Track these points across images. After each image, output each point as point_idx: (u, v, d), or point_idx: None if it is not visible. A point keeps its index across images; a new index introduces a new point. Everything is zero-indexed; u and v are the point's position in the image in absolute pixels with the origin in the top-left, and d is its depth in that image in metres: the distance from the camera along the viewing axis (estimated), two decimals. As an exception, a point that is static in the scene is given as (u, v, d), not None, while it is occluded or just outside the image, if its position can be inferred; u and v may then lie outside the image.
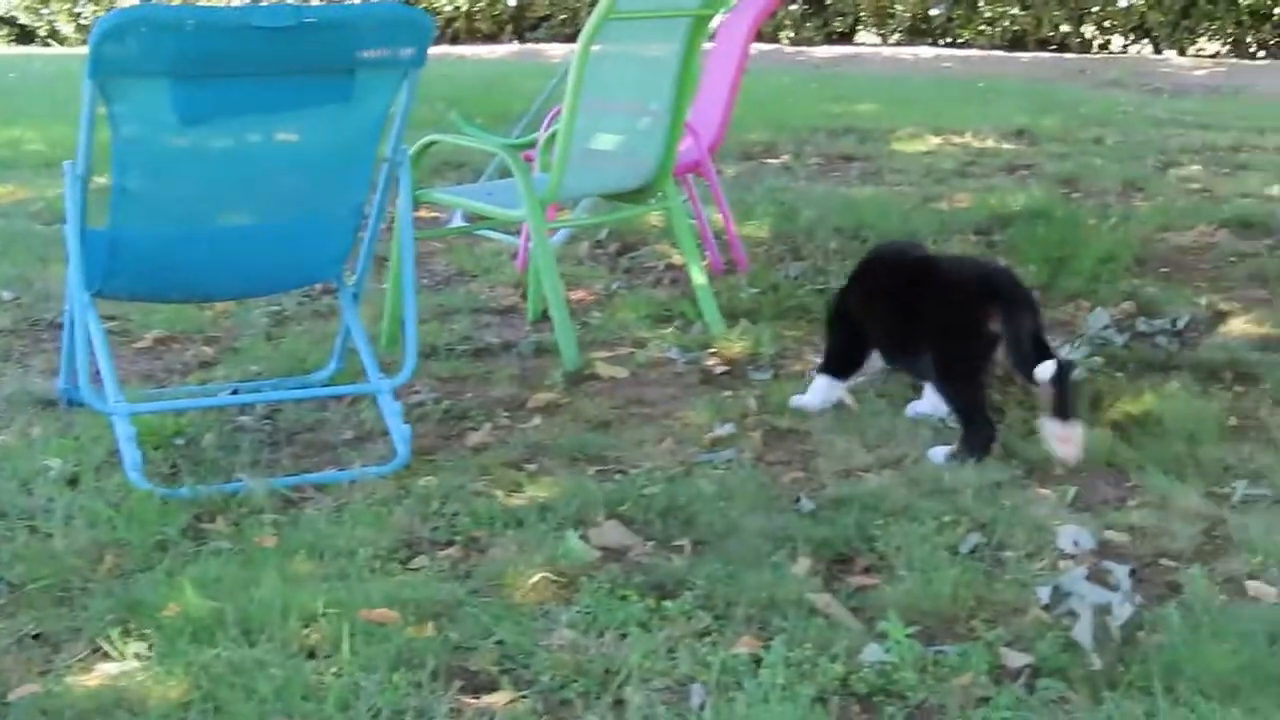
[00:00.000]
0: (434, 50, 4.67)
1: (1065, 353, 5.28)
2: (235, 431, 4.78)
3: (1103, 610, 3.49)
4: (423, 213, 7.68)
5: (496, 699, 3.15)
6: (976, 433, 4.49)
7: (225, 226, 4.63)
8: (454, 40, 20.80)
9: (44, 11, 22.94)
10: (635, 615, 3.47)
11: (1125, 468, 4.43)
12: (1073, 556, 3.82)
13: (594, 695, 3.16)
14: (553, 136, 5.61)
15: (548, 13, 20.85)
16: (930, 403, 4.78)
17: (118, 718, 3.05)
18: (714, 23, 6.48)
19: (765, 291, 6.16)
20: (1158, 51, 18.14)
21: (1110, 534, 3.98)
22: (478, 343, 5.70)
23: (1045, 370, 4.39)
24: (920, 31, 19.18)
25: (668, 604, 3.52)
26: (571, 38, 6.52)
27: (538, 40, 20.56)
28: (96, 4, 21.81)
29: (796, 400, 4.90)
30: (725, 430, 4.76)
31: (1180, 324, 5.67)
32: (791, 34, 19.52)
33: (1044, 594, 3.60)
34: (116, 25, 3.99)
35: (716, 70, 6.97)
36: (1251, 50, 17.82)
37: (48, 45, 22.67)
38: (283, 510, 4.12)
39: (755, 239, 7.08)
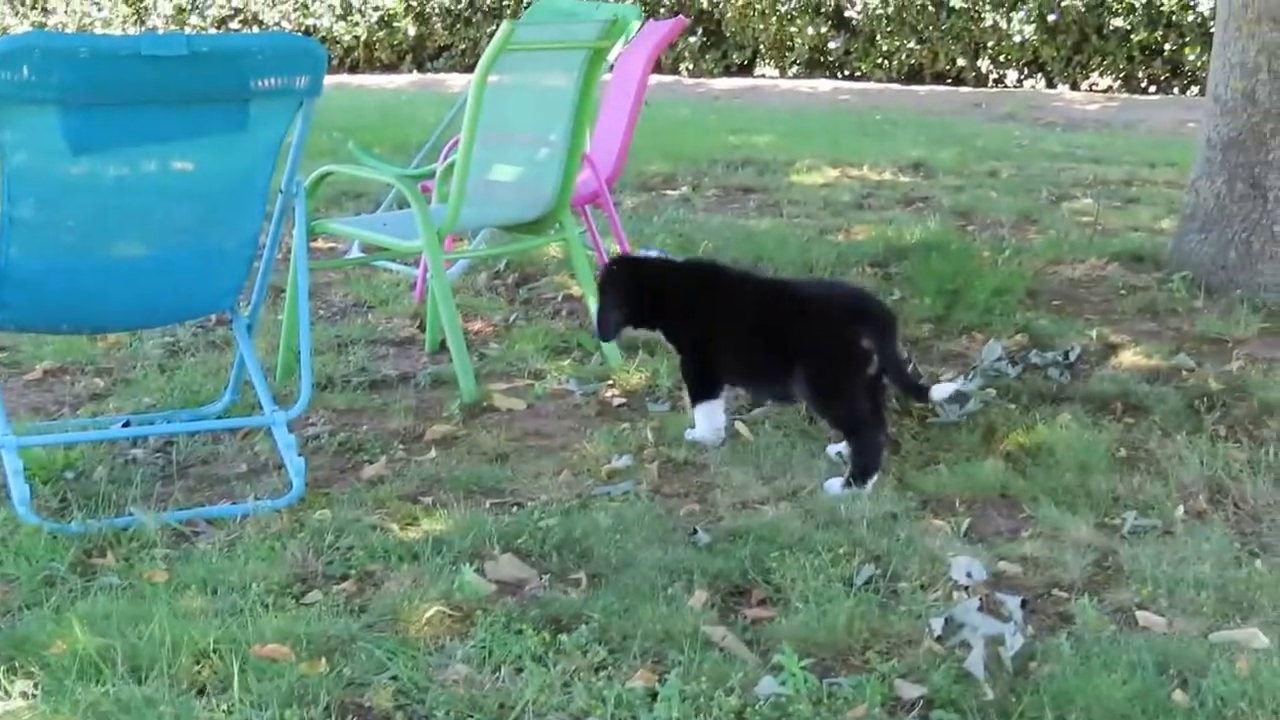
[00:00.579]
0: (332, 80, 4.66)
1: (959, 384, 5.34)
2: (127, 465, 4.72)
3: (995, 641, 3.53)
4: (319, 243, 7.66)
5: (390, 736, 3.13)
6: (866, 442, 4.56)
7: (118, 257, 4.57)
8: (353, 69, 20.70)
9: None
10: (531, 649, 3.46)
11: (1018, 499, 4.48)
12: (966, 588, 3.86)
13: (489, 730, 3.15)
14: (450, 167, 5.62)
15: (447, 43, 20.79)
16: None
17: (2, 758, 3.00)
18: (612, 54, 6.50)
19: (663, 323, 6.15)
20: (1051, 86, 18.37)
21: (1003, 565, 4.03)
22: (374, 374, 5.66)
23: (942, 390, 4.55)
24: (818, 64, 19.31)
25: (563, 638, 3.51)
26: (471, 68, 6.52)
27: (437, 70, 20.50)
28: (-12, 29, 21.52)
29: (690, 434, 4.92)
30: (622, 462, 4.77)
31: (1072, 356, 5.74)
32: (690, 66, 19.60)
33: (937, 625, 3.63)
34: (8, 52, 3.93)
35: (614, 102, 6.99)
36: (1143, 85, 18.10)
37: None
38: (174, 545, 4.08)
39: (653, 270, 7.08)
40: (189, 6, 21.11)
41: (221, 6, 20.99)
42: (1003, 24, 17.98)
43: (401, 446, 4.92)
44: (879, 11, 18.36)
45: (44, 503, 4.32)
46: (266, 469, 4.68)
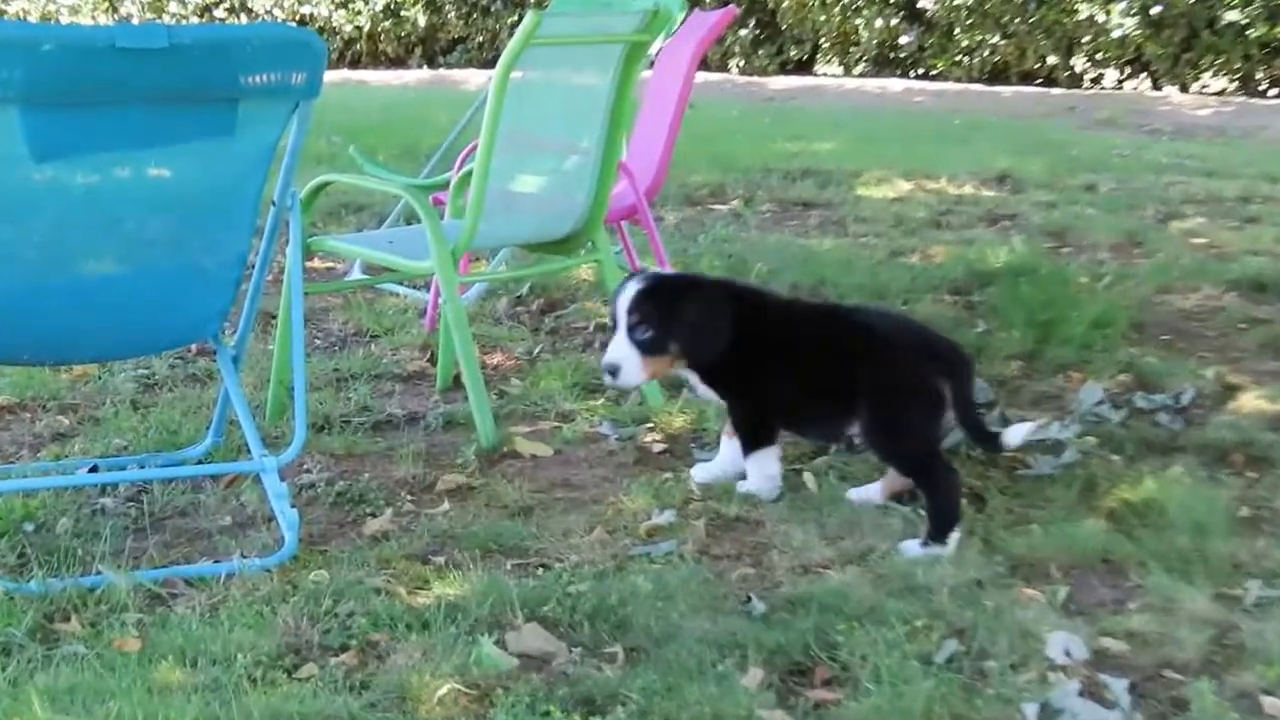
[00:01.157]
0: (331, 76, 4.66)
1: (1055, 430, 5.31)
2: (95, 516, 4.72)
3: (1099, 730, 3.50)
4: (316, 263, 7.69)
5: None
6: (944, 486, 4.56)
7: (86, 277, 4.56)
8: (355, 64, 20.85)
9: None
10: (559, 735, 3.45)
11: (1123, 565, 4.44)
12: (1064, 668, 3.82)
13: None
14: (467, 177, 5.62)
15: (463, 34, 20.91)
16: (877, 486, 4.86)
17: None
18: (653, 49, 6.51)
19: (713, 358, 6.14)
20: (1156, 87, 18.39)
21: (1106, 641, 3.98)
22: (378, 414, 5.66)
23: (1017, 434, 4.56)
24: (888, 62, 19.36)
25: (598, 720, 3.50)
26: (490, 63, 6.50)
27: (450, 66, 20.63)
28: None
29: (744, 486, 4.90)
30: (664, 518, 4.75)
31: (1184, 399, 5.71)
32: (742, 62, 19.68)
33: (1031, 712, 3.59)
34: (-40, 44, 3.95)
35: (656, 103, 7.00)
36: (1262, 88, 18.08)
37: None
38: (148, 608, 4.07)
39: (699, 296, 7.08)
40: (168, -9, 21.27)
41: (206, -8, 21.15)
42: (1100, 17, 17.98)
43: (409, 498, 4.91)
44: (958, 2, 18.37)
45: (0, 559, 4.32)
46: (254, 522, 4.68)
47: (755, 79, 18.78)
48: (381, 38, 21.03)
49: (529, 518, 4.76)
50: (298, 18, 20.69)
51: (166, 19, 20.34)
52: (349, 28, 20.85)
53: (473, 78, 18.28)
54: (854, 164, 11.33)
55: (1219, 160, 12.23)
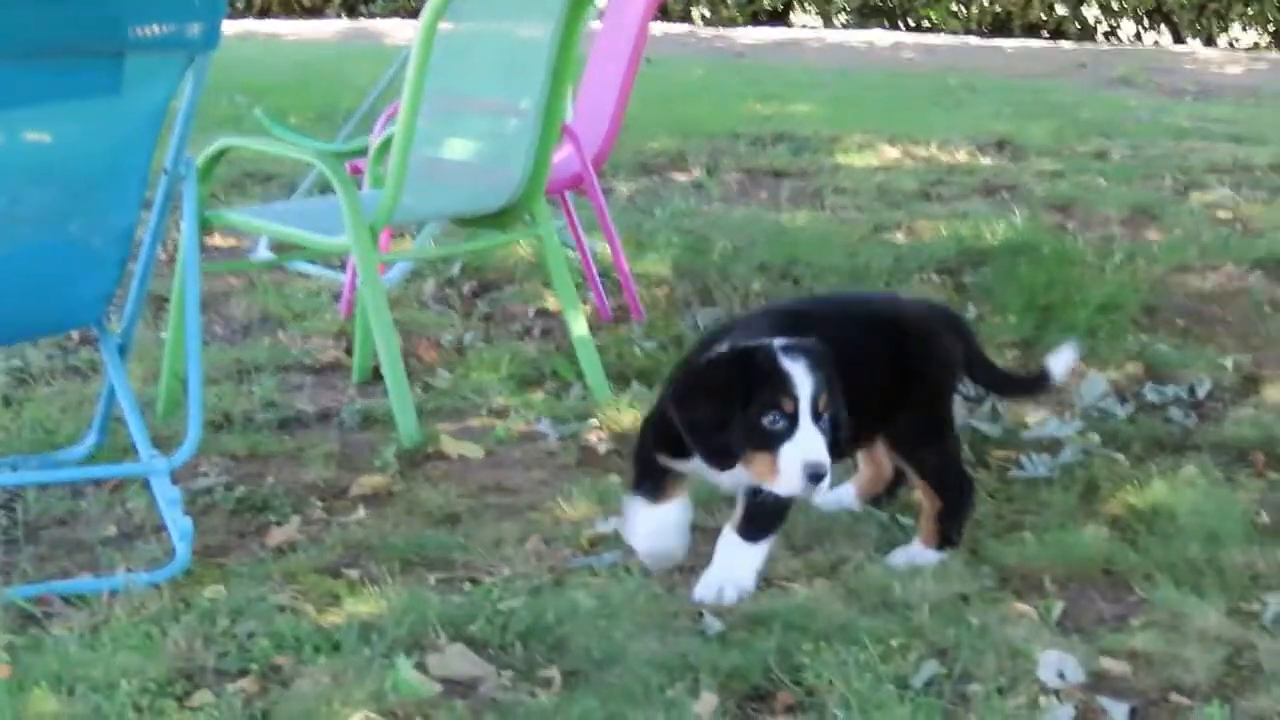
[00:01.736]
0: (234, 27, 4.68)
1: (1053, 427, 5.37)
2: (-41, 526, 4.74)
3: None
4: (216, 239, 7.68)
5: None
6: (967, 485, 4.67)
7: (-53, 256, 4.58)
8: (263, 14, 20.80)
9: None
10: (486, 768, 3.49)
11: (1127, 577, 4.50)
12: (1057, 691, 3.87)
13: None
14: (388, 142, 5.64)
15: (387, -20, 20.89)
16: (850, 488, 4.91)
17: None
18: (602, -1, 6.57)
19: (665, 346, 6.22)
20: (1179, 41, 18.50)
21: (1106, 662, 4.03)
22: (285, 410, 5.70)
23: (1063, 362, 4.85)
24: (875, 11, 19.43)
25: (530, 754, 3.54)
26: (415, 13, 6.51)
27: (373, 15, 20.62)
28: None
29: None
30: (609, 526, 4.78)
31: (1200, 392, 5.80)
32: (707, 12, 19.72)
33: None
34: None
35: (605, 58, 7.02)
36: (1299, 42, 18.20)
37: None
38: (20, 629, 4.09)
39: (655, 277, 7.13)
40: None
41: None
42: (1116, -40, 18.07)
43: (320, 505, 4.95)
44: (954, -58, 18.44)
45: None
46: (142, 532, 4.70)
47: (722, 31, 18.81)
48: (294, -16, 20.99)
49: (456, 526, 4.80)
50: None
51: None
52: (257, -28, 20.81)
53: (397, 30, 18.25)
54: (833, 128, 11.35)
55: (1248, 124, 12.30)
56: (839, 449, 4.27)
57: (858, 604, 4.26)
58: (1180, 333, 6.49)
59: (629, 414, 5.62)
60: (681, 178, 9.81)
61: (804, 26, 19.57)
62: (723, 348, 4.28)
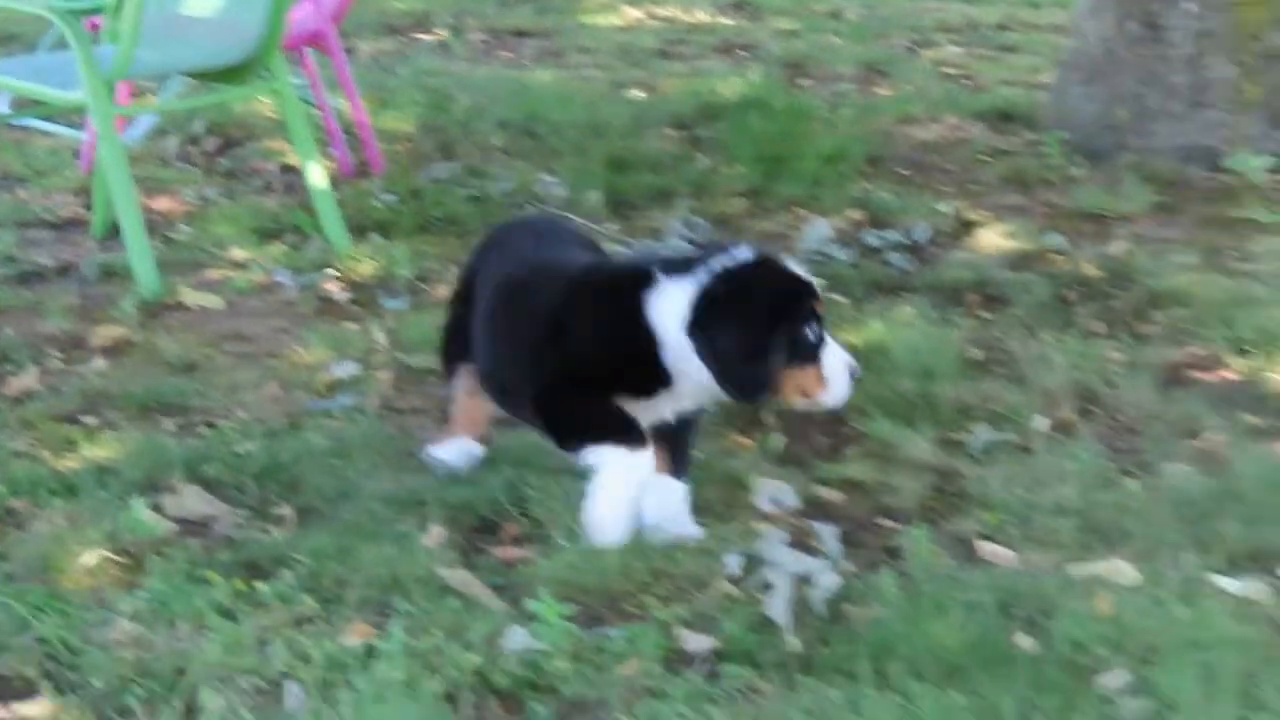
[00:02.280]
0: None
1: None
2: None
3: (804, 581, 3.65)
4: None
5: (34, 709, 3.15)
6: None
7: None
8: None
9: None
10: (218, 601, 3.49)
11: (844, 411, 4.58)
12: (771, 517, 3.98)
13: (159, 700, 3.19)
14: (124, -5, 5.55)
15: None
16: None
17: None
18: None
19: (405, 199, 6.21)
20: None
21: (821, 490, 4.16)
22: (25, 264, 5.64)
23: None
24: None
25: (261, 586, 3.55)
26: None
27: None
28: None
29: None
30: (346, 371, 4.82)
31: (919, 237, 5.91)
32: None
33: (733, 563, 3.74)
34: None
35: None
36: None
37: None
38: None
39: (397, 134, 7.11)
40: None
41: None
42: None
43: (58, 355, 4.91)
44: None
45: None
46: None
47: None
48: None
49: (194, 374, 4.80)
50: None
51: None
52: None
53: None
54: (577, -12, 11.34)
55: (979, -15, 12.46)
56: None
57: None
58: (902, 181, 6.60)
59: (368, 265, 5.64)
60: (426, 38, 9.75)
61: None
62: (711, 267, 3.76)
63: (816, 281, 3.87)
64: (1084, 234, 5.99)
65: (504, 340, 4.02)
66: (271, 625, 3.43)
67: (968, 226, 6.05)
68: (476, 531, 3.94)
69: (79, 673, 3.27)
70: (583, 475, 4.06)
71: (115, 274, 5.53)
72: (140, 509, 3.85)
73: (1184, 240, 6.01)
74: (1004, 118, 7.49)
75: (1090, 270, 5.59)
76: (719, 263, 3.75)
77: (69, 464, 4.16)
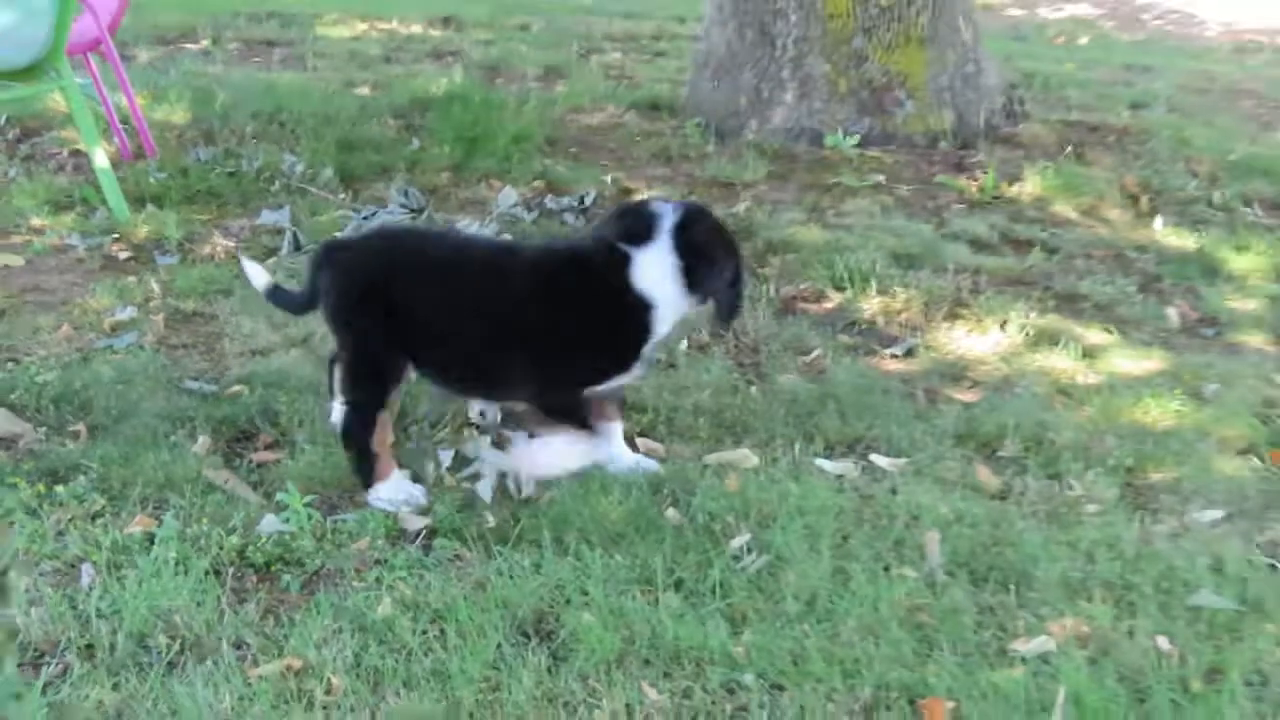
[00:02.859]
0: None
1: (475, 228, 5.46)
2: None
3: (502, 474, 3.70)
4: None
5: None
6: None
7: None
8: None
9: None
10: (24, 502, 3.44)
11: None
12: (478, 425, 4.01)
13: (-26, 582, 3.12)
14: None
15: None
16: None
17: None
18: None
19: (174, 176, 6.08)
20: (587, -59, 18.65)
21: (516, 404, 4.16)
22: None
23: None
24: (350, -84, 19.12)
25: (59, 489, 3.50)
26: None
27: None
28: None
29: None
30: (127, 314, 4.73)
31: (587, 200, 5.93)
32: (215, -84, 19.11)
33: (446, 458, 3.78)
34: None
35: (116, -54, 6.78)
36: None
37: None
38: None
39: (168, 124, 6.94)
40: None
41: None
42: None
43: (-117, 305, 4.74)
44: None
45: None
46: None
47: (228, -69, 18.25)
48: None
49: (1, 320, 4.66)
50: None
51: None
52: None
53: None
54: (314, 7, 11.13)
55: (638, 4, 12.51)
56: None
57: (323, 365, 4.28)
58: (574, 158, 6.62)
59: (144, 229, 5.53)
60: (192, 47, 9.51)
61: (294, -72, 19.12)
62: (665, 229, 3.61)
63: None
64: (716, 197, 6.07)
65: (482, 326, 3.64)
66: (68, 519, 3.39)
67: (625, 193, 6.10)
68: (236, 440, 3.91)
69: (-95, 563, 3.19)
70: (320, 392, 4.06)
71: (-70, 241, 5.35)
72: (-44, 430, 3.77)
73: (793, 201, 6.12)
74: (653, 107, 7.54)
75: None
76: (666, 224, 3.61)
77: (-114, 397, 4.03)
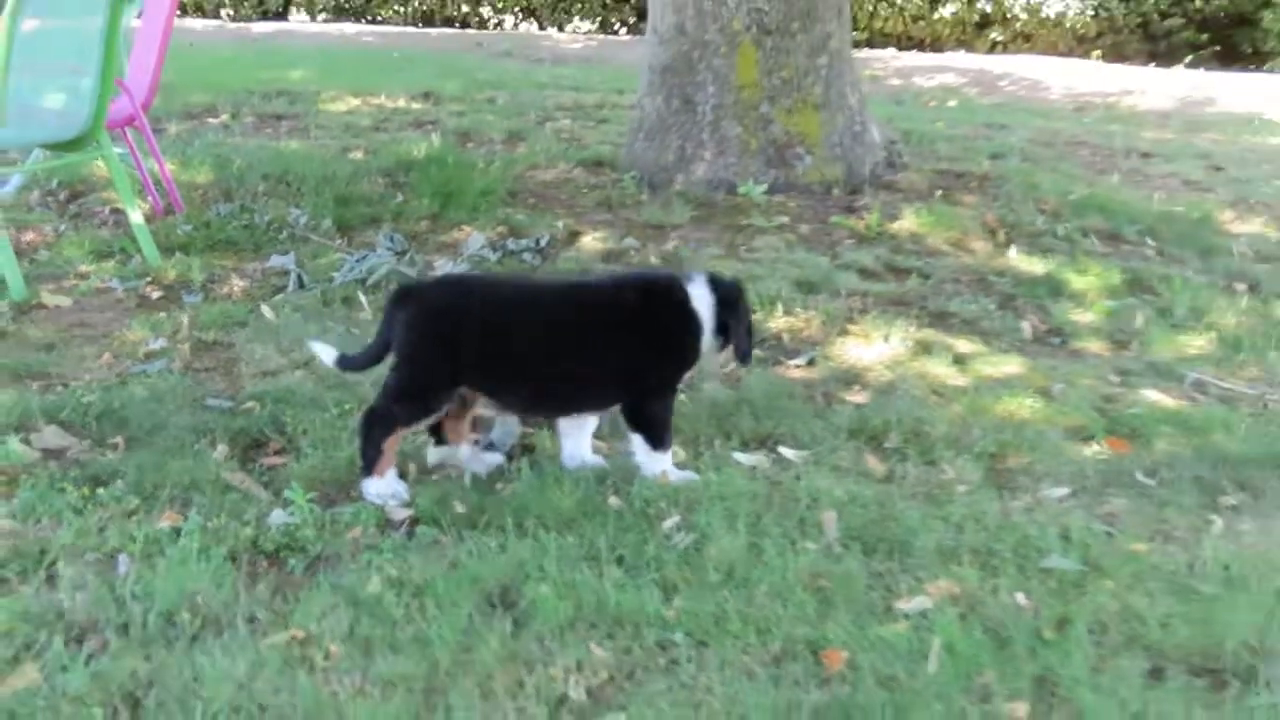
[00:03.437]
0: None
1: (449, 267, 5.42)
2: None
3: (476, 474, 3.67)
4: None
5: (-64, 586, 3.01)
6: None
7: None
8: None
9: None
10: (71, 503, 3.38)
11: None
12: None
13: (30, 571, 3.07)
14: (-4, 94, 5.30)
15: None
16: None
17: None
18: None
19: (198, 228, 6.01)
20: (542, 28, 18.61)
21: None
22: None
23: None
24: (344, 10, 19.00)
25: (101, 491, 3.44)
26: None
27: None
28: None
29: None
30: (158, 344, 4.66)
31: (543, 242, 5.89)
32: (231, 12, 18.96)
33: (434, 456, 3.74)
34: None
35: (146, 39, 6.71)
36: (615, 28, 18.56)
37: None
38: None
39: (193, 185, 6.86)
40: None
41: None
42: (499, -24, 18.14)
43: (-46, 341, 4.65)
44: (395, -36, 18.18)
45: None
46: None
47: (242, 25, 18.09)
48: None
49: (53, 351, 4.59)
50: None
51: None
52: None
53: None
54: (317, 86, 11.06)
55: (584, 80, 12.47)
56: None
57: (324, 384, 4.27)
58: (531, 207, 6.58)
59: (172, 273, 5.46)
60: (214, 121, 9.42)
61: (297, 20, 18.98)
62: (704, 278, 3.69)
63: None
64: (649, 237, 6.05)
65: (578, 352, 3.58)
66: (108, 517, 3.33)
67: (575, 235, 6.07)
68: (249, 448, 3.86)
69: (-30, 558, 3.13)
70: (322, 406, 4.02)
71: (-4, 286, 5.26)
72: (14, 443, 3.71)
73: (713, 239, 6.10)
74: (597, 164, 7.50)
75: (654, 259, 5.66)
76: (700, 276, 3.68)
77: (-39, 414, 3.95)
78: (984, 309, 5.38)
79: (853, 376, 4.63)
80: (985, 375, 4.68)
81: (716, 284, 3.70)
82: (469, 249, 5.72)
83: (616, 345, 3.62)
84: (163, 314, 4.99)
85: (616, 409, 3.72)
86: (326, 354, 3.65)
